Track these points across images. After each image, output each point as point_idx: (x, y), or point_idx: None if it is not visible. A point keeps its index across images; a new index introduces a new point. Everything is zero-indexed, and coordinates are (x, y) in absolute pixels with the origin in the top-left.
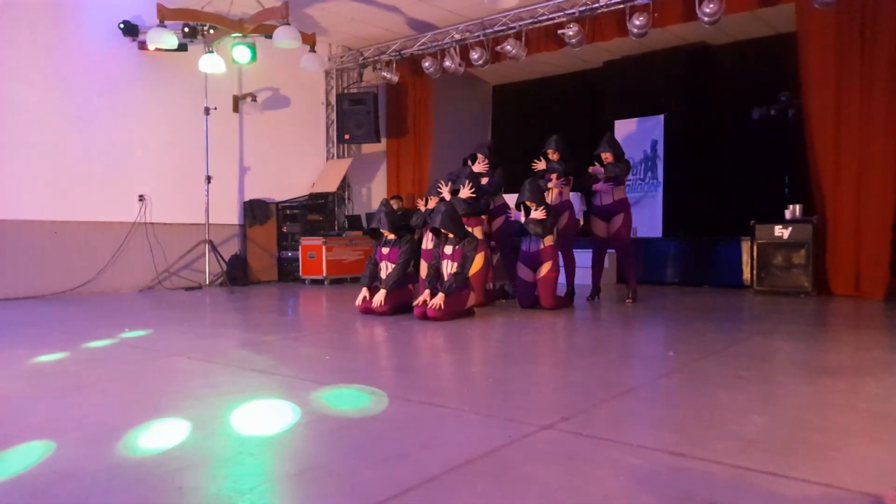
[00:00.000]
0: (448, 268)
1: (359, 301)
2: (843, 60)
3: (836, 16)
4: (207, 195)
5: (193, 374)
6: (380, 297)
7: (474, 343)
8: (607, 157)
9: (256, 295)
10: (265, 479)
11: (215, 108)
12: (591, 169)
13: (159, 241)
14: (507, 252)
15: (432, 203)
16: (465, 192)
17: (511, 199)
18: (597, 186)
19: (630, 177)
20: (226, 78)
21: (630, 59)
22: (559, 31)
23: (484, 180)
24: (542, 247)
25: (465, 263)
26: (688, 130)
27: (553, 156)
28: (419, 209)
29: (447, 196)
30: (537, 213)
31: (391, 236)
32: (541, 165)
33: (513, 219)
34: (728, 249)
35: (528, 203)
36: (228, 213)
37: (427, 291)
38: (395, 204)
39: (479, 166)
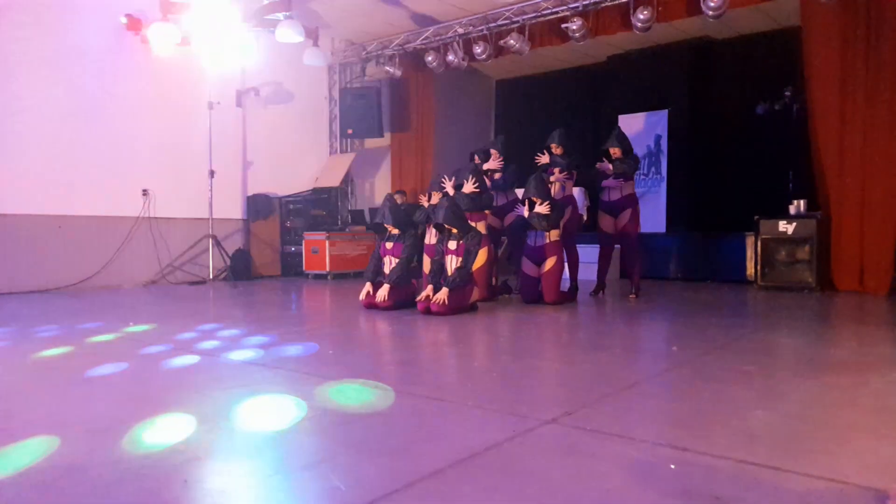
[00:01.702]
0: (452, 263)
1: (362, 295)
2: (848, 55)
3: (840, 10)
4: (211, 190)
5: (197, 368)
6: (383, 291)
7: (477, 338)
8: (615, 151)
9: (260, 289)
10: (269, 472)
11: (218, 103)
12: (599, 165)
13: (163, 235)
14: (519, 247)
15: (435, 199)
16: (469, 188)
17: (520, 194)
18: (606, 182)
19: None
20: (228, 72)
21: (634, 54)
22: (563, 26)
23: (497, 176)
24: (546, 241)
25: (468, 258)
26: (692, 125)
27: (556, 150)
28: (422, 205)
29: (451, 191)
30: (542, 208)
31: (395, 231)
32: (544, 159)
33: (518, 213)
34: (732, 245)
35: (533, 199)
36: (232, 208)
37: (430, 286)
38: (398, 198)
39: (494, 163)
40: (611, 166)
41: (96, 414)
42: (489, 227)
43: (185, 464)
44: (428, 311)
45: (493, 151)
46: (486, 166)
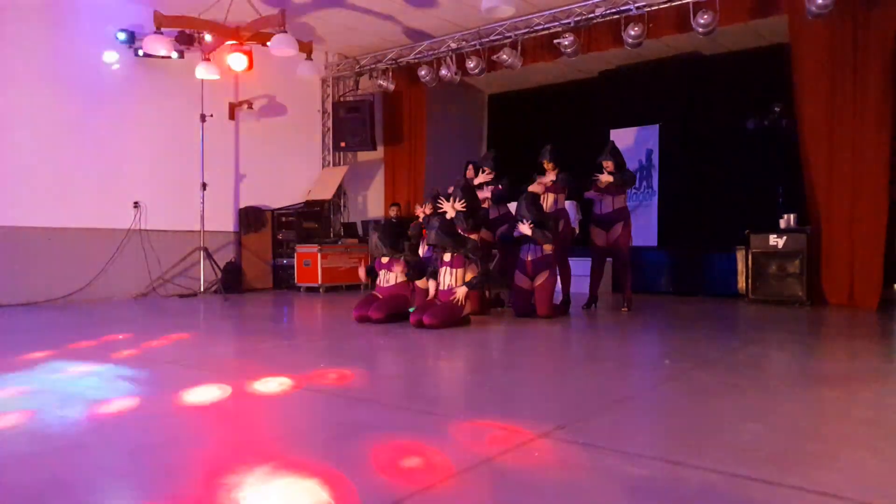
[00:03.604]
0: (447, 275)
1: (361, 274)
2: (836, 71)
3: (828, 27)
4: (203, 202)
5: (188, 381)
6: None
7: (470, 351)
8: (609, 165)
9: (251, 302)
10: (257, 487)
11: (211, 116)
12: (595, 176)
13: (154, 248)
14: (511, 260)
15: (429, 210)
16: (458, 206)
17: (512, 208)
18: (588, 194)
19: None
20: (222, 85)
21: (625, 69)
22: (555, 41)
23: (489, 189)
24: (539, 255)
25: (482, 261)
26: (682, 140)
27: (547, 165)
28: (418, 216)
29: (451, 212)
30: (524, 228)
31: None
32: (551, 176)
33: (516, 234)
34: (723, 259)
35: (523, 216)
36: (224, 221)
37: (433, 282)
38: (393, 211)
39: (482, 177)
40: (611, 178)
41: (81, 429)
42: (481, 241)
43: (172, 475)
44: (420, 325)
45: (484, 168)
46: (475, 181)
